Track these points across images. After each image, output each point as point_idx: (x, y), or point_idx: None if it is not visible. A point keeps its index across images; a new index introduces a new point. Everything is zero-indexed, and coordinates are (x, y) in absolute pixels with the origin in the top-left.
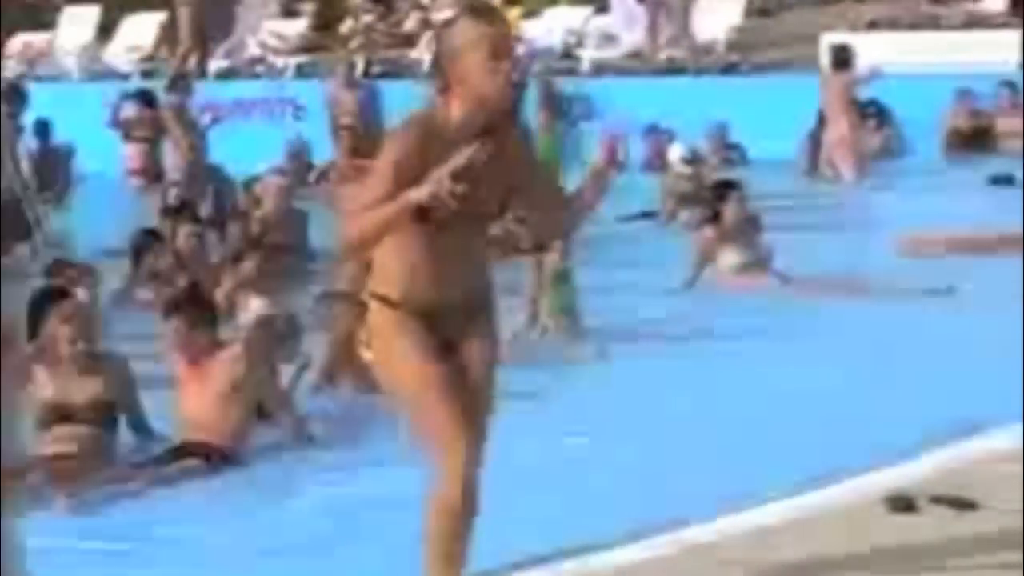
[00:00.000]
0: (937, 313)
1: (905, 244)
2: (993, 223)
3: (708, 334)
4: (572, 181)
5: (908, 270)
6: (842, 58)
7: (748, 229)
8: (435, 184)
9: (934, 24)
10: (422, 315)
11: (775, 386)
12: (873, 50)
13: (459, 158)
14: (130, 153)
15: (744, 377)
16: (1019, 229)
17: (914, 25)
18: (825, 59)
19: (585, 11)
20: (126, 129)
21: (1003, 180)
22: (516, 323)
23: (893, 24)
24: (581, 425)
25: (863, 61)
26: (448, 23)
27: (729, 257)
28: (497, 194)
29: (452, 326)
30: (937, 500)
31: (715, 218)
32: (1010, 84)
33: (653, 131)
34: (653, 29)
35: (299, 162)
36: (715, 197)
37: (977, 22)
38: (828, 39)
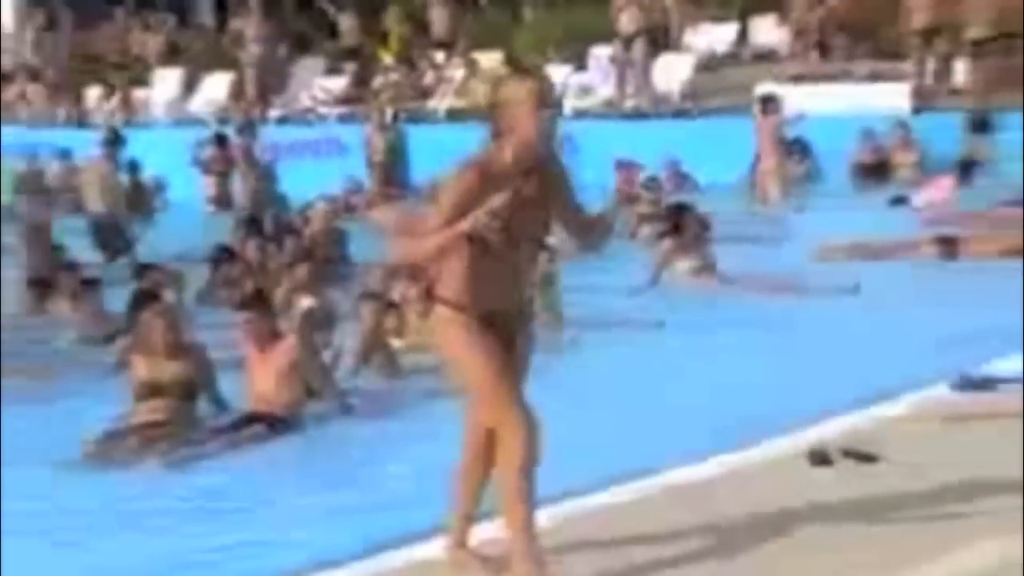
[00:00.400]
0: (846, 306)
1: (821, 252)
2: (892, 235)
3: (666, 324)
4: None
5: (823, 272)
6: (771, 105)
7: (699, 240)
8: (474, 219)
9: (845, 77)
10: (479, 318)
11: (720, 364)
12: (796, 98)
13: (496, 199)
14: (207, 183)
15: (694, 358)
16: (910, 238)
17: (829, 78)
18: (757, 106)
19: (567, 68)
20: (204, 164)
21: (899, 201)
22: None
23: (812, 77)
24: (559, 396)
25: (789, 107)
26: (500, 81)
27: (683, 263)
28: (540, 222)
29: (507, 327)
30: (847, 454)
31: (672, 232)
32: (903, 125)
33: (623, 165)
34: (621, 82)
35: (349, 192)
36: (673, 216)
37: (878, 76)
38: (760, 89)
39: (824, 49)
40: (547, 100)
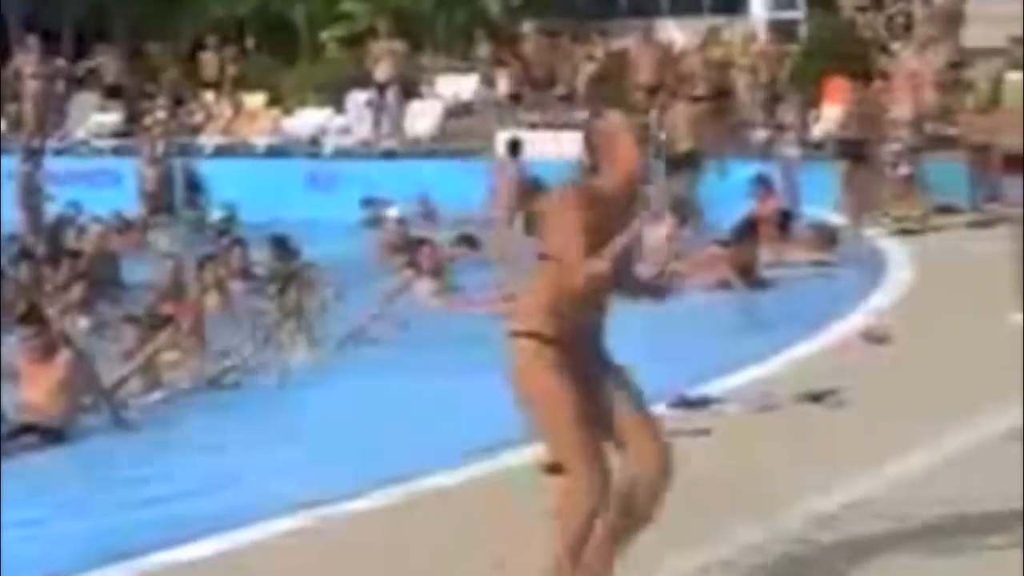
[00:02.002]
0: None
1: None
2: None
3: (412, 340)
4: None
5: None
6: (514, 148)
7: (440, 267)
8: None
9: (577, 126)
10: (564, 348)
11: (451, 376)
12: (535, 143)
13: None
14: None
15: (426, 373)
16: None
17: (564, 126)
18: (501, 149)
19: (328, 111)
20: None
21: None
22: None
23: (548, 125)
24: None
25: (528, 151)
26: (597, 117)
27: (424, 286)
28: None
29: (586, 355)
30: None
31: (412, 262)
32: None
33: (370, 201)
34: (377, 125)
35: (121, 219)
36: (415, 247)
37: None
38: (503, 135)
39: (516, 99)
40: (645, 135)
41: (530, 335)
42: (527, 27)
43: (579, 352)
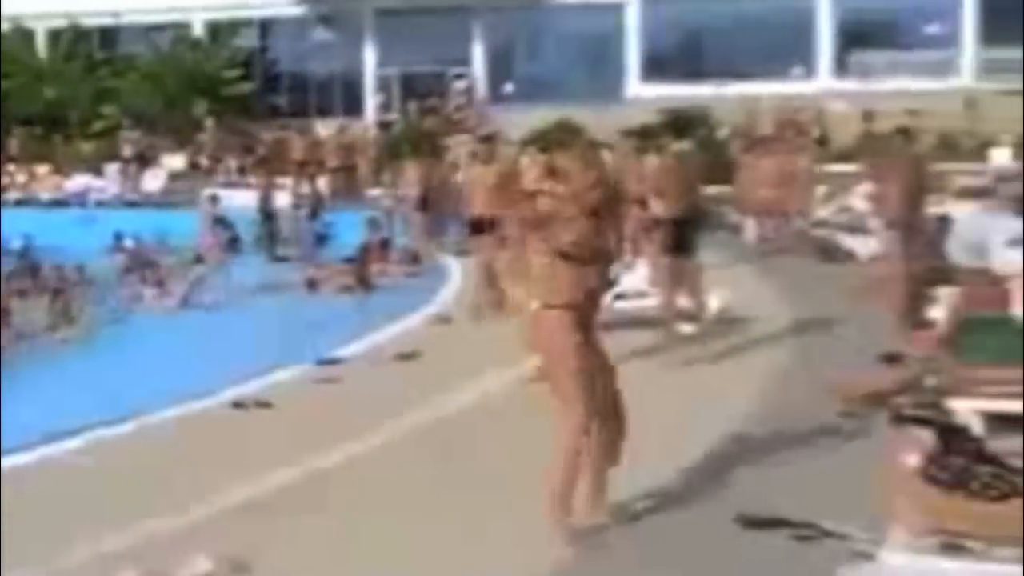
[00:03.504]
0: (250, 316)
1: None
2: (278, 277)
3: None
4: None
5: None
6: (213, 200)
7: (169, 280)
8: None
9: (251, 186)
10: (577, 312)
11: (172, 353)
12: (235, 196)
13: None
14: None
15: (162, 348)
16: (287, 279)
17: (242, 186)
18: (204, 201)
19: (89, 176)
20: None
21: (280, 259)
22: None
23: (233, 185)
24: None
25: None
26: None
27: (150, 292)
28: (611, 241)
29: (588, 316)
30: (258, 404)
31: (144, 277)
32: (286, 214)
33: (118, 236)
34: (123, 185)
35: None
36: (146, 266)
37: (273, 186)
38: (207, 191)
39: (196, 168)
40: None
41: (554, 306)
42: (208, 122)
43: (585, 319)
